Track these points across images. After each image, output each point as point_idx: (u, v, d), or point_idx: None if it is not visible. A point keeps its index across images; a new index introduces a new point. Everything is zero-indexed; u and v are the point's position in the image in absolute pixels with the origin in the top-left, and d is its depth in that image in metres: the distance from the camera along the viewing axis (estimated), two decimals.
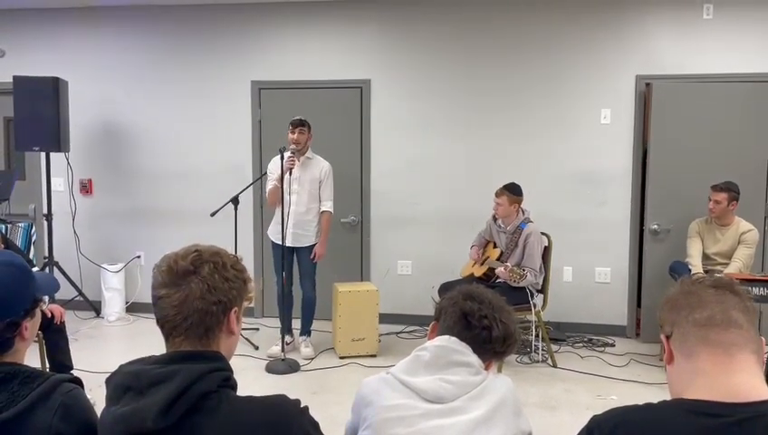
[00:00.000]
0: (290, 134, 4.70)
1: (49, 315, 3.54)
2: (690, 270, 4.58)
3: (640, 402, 1.25)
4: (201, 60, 5.86)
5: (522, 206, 4.74)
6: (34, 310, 1.49)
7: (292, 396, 1.35)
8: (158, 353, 1.33)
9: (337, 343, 4.85)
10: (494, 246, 4.86)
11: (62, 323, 3.71)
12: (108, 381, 1.32)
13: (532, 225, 4.65)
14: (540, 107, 5.45)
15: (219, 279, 1.33)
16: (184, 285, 1.31)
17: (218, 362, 1.31)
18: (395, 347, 5.06)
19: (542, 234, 4.72)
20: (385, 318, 5.25)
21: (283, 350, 4.65)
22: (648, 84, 5.24)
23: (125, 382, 1.28)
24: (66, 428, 1.30)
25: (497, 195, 4.71)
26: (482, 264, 4.83)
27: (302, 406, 1.33)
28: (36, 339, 3.47)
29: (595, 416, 1.26)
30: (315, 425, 1.35)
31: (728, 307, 1.24)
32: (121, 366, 1.33)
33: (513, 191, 4.69)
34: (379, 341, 4.97)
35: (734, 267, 4.51)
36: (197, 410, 1.23)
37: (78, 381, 1.41)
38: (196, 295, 1.31)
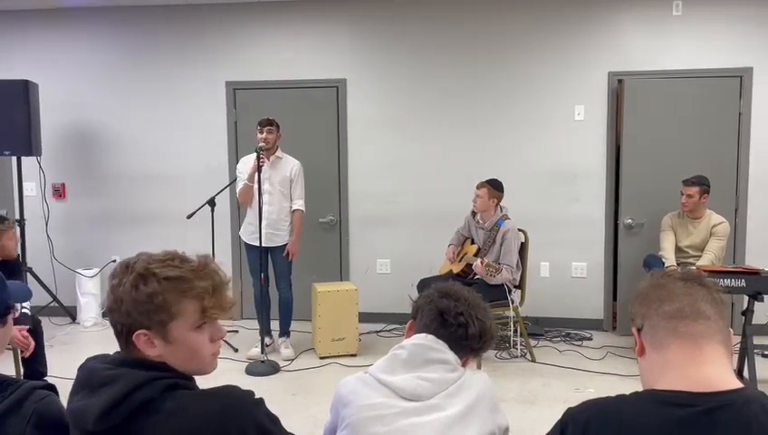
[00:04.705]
0: (258, 133, 4.68)
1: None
2: (664, 263, 4.65)
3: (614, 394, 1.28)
4: (175, 61, 5.81)
5: (501, 203, 4.78)
6: (6, 317, 1.47)
7: (273, 398, 1.34)
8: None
9: (317, 343, 4.84)
10: (472, 242, 4.89)
11: (39, 329, 3.66)
12: (77, 370, 1.32)
13: (510, 222, 4.69)
14: (514, 105, 5.49)
15: (127, 293, 1.27)
16: (110, 292, 1.31)
17: (161, 371, 1.27)
18: (375, 346, 5.07)
19: (519, 230, 4.76)
20: (365, 317, 5.25)
21: (262, 351, 4.63)
22: (620, 81, 5.31)
23: (83, 377, 1.29)
24: None
25: (478, 187, 4.75)
26: (459, 260, 4.86)
27: (256, 398, 1.30)
28: (10, 347, 3.40)
29: (569, 409, 1.28)
30: (272, 418, 1.31)
31: (696, 299, 1.27)
32: (87, 359, 1.34)
33: (494, 186, 4.73)
34: (360, 340, 4.97)
35: (707, 259, 4.60)
36: (141, 413, 1.21)
37: (52, 388, 1.40)
38: (111, 307, 1.30)
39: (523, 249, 4.78)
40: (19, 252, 3.87)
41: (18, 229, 5.49)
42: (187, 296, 1.28)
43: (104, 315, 5.76)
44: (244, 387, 1.31)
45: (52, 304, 5.73)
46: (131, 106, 5.88)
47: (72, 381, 1.31)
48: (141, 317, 1.26)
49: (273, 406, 1.34)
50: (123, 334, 1.30)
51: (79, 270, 5.75)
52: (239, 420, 1.23)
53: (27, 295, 1.83)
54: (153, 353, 1.28)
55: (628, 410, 1.21)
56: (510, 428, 1.65)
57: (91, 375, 1.26)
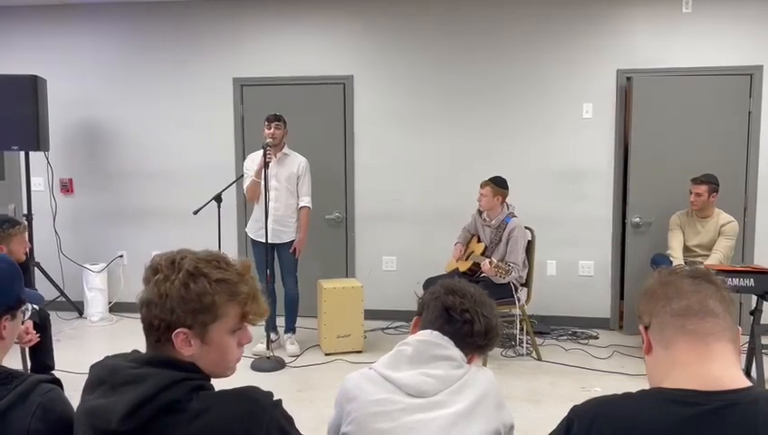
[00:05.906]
0: (266, 129, 4.68)
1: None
2: (672, 262, 4.62)
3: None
4: (182, 57, 5.81)
5: (507, 201, 4.76)
6: (16, 311, 1.47)
7: (278, 394, 1.33)
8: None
9: (322, 339, 4.84)
10: (479, 240, 4.88)
11: (48, 324, 3.68)
12: (91, 368, 1.32)
13: (517, 220, 4.67)
14: (522, 102, 5.47)
15: (176, 290, 1.26)
16: (147, 285, 1.29)
17: (190, 372, 1.27)
18: (380, 343, 5.06)
19: (526, 228, 4.74)
20: (370, 314, 5.25)
21: (268, 347, 4.63)
22: (628, 78, 5.27)
23: (101, 375, 1.27)
24: (44, 429, 1.29)
25: (482, 186, 4.73)
26: (466, 258, 4.84)
27: (274, 399, 1.31)
28: (17, 341, 3.42)
29: (575, 407, 1.27)
30: (289, 419, 1.32)
31: (705, 297, 1.25)
32: (106, 357, 1.33)
33: (497, 184, 4.70)
34: (365, 337, 4.96)
35: (715, 259, 4.56)
36: (166, 412, 1.21)
37: (57, 382, 1.40)
38: (151, 301, 1.28)
39: (529, 247, 4.76)
40: (27, 255, 3.87)
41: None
42: (234, 300, 1.30)
43: (111, 310, 5.85)
44: (250, 383, 1.32)
45: (59, 299, 5.76)
46: (138, 102, 5.89)
47: (81, 376, 1.31)
48: (186, 315, 1.26)
49: None
50: (159, 330, 1.28)
51: (86, 265, 5.78)
52: (262, 423, 1.24)
53: (40, 301, 1.84)
54: (187, 353, 1.29)
55: (635, 408, 1.19)
56: (515, 426, 1.64)
57: (112, 373, 1.25)
